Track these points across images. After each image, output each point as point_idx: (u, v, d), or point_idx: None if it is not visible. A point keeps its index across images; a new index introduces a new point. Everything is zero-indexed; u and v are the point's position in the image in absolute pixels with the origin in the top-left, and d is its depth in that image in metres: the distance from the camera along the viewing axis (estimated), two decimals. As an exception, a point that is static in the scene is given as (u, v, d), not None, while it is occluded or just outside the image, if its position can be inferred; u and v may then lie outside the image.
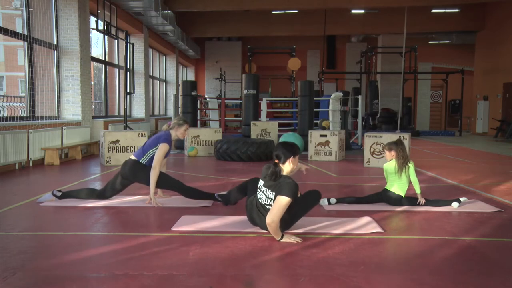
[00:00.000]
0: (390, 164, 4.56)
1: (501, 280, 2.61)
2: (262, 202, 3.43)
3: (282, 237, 3.27)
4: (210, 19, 20.36)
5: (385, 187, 4.59)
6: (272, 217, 3.17)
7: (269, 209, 3.29)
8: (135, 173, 4.49)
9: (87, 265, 2.75)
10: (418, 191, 4.53)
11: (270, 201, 3.33)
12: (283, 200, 3.18)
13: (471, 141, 15.29)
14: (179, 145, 10.73)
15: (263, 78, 17.25)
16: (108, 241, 3.29)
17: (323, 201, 4.47)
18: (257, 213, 3.47)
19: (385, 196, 4.55)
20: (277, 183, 3.29)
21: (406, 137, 7.55)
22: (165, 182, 4.54)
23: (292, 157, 3.37)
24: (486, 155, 10.42)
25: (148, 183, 4.47)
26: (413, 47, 18.93)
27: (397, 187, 4.49)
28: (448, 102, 23.42)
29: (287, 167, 3.38)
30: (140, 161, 4.51)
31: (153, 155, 4.47)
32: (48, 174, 6.89)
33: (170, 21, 15.19)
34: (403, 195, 4.50)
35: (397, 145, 4.54)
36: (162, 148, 4.48)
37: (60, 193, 4.56)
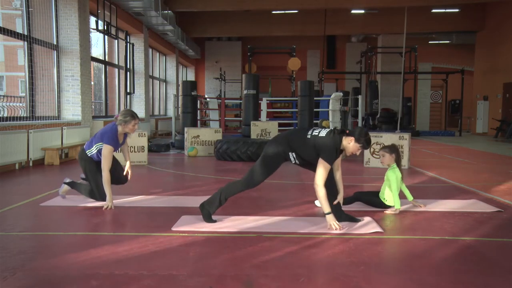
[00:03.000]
0: (395, 171, 4.30)
1: (501, 280, 2.61)
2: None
3: (329, 213, 3.56)
4: (210, 19, 20.36)
5: (381, 195, 4.34)
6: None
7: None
8: (80, 162, 4.56)
9: (87, 265, 2.75)
10: (411, 197, 4.45)
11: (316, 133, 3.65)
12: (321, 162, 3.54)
13: (471, 141, 15.29)
14: (179, 145, 10.74)
15: (263, 78, 17.26)
16: (108, 241, 3.28)
17: (317, 202, 4.42)
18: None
19: (375, 201, 4.35)
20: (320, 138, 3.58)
21: (406, 137, 7.54)
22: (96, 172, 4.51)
23: (352, 137, 3.58)
24: (486, 155, 10.42)
25: (85, 174, 4.56)
26: (413, 47, 18.92)
27: (394, 195, 4.24)
28: (448, 102, 23.42)
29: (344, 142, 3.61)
30: (87, 151, 4.52)
31: (101, 149, 4.44)
32: (48, 174, 6.89)
33: (170, 21, 15.19)
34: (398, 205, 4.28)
35: (395, 148, 4.40)
36: (105, 150, 4.38)
37: (69, 180, 4.70)
